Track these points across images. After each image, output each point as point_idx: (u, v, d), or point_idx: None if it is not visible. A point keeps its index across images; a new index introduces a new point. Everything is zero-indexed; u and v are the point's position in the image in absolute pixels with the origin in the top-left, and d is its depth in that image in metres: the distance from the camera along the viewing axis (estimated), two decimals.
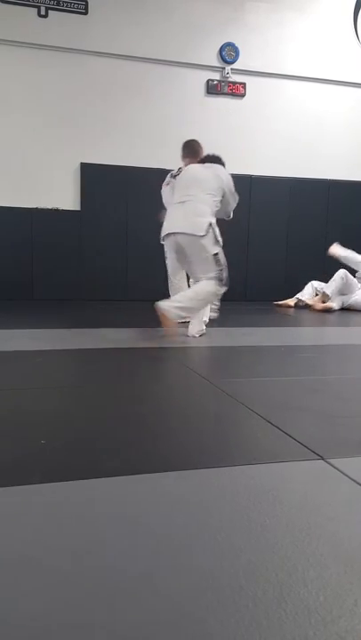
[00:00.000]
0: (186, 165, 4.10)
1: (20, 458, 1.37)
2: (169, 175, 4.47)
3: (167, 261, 4.43)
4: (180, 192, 3.60)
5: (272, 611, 0.79)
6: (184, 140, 4.40)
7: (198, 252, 3.37)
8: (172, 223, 3.46)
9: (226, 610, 0.79)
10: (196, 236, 3.32)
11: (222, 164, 3.77)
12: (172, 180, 4.32)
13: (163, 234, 3.60)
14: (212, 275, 3.36)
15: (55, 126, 5.88)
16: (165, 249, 4.39)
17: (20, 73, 5.77)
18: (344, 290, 5.67)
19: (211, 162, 3.74)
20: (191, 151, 4.24)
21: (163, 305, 3.31)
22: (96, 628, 0.75)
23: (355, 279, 5.74)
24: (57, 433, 1.59)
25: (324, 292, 5.66)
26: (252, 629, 0.75)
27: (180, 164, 4.43)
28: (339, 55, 6.67)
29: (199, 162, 3.84)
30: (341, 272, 5.68)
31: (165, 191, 4.38)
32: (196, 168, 3.72)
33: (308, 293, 5.84)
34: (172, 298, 3.51)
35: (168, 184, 4.38)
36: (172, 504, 1.13)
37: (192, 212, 3.39)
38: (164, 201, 4.35)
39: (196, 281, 3.67)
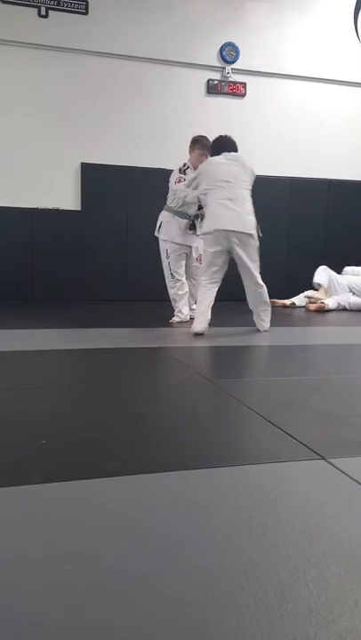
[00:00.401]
0: (198, 159, 4.16)
1: (20, 458, 1.37)
2: (178, 171, 4.42)
3: (168, 260, 4.36)
4: (220, 189, 3.67)
5: (273, 611, 0.78)
6: (195, 135, 4.41)
7: (250, 247, 3.70)
8: (224, 220, 3.63)
9: (227, 610, 0.79)
10: (248, 234, 3.66)
11: (237, 149, 3.92)
12: (183, 175, 4.29)
13: (212, 229, 3.68)
14: (258, 264, 3.77)
15: (55, 126, 5.88)
16: (165, 248, 4.36)
17: (20, 73, 5.77)
18: (332, 284, 5.77)
19: (229, 149, 3.84)
20: (203, 146, 4.26)
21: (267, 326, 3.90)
22: (96, 628, 0.75)
23: (338, 277, 5.83)
24: (57, 433, 1.59)
25: (318, 284, 5.75)
26: (254, 629, 0.75)
27: (185, 158, 4.42)
28: (339, 55, 6.66)
29: (215, 149, 3.92)
30: (321, 267, 5.85)
31: (179, 187, 4.27)
32: (224, 162, 3.77)
33: (300, 300, 5.91)
34: (265, 320, 3.87)
35: (181, 180, 4.31)
36: (172, 504, 1.13)
37: (243, 210, 3.66)
38: (180, 196, 4.18)
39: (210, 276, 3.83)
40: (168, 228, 4.34)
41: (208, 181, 3.75)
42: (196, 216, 4.30)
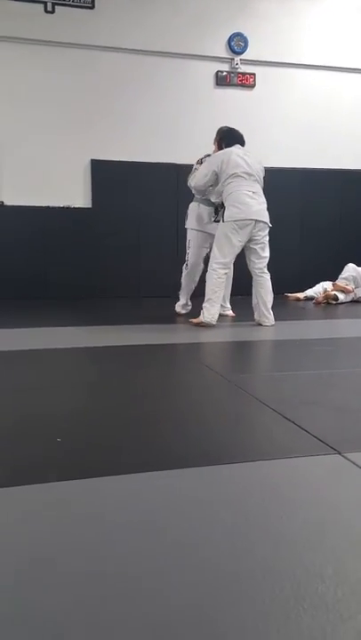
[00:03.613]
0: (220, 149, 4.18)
1: (36, 456, 1.38)
2: (196, 162, 4.43)
3: (195, 250, 4.36)
4: (243, 180, 3.80)
5: (289, 607, 0.78)
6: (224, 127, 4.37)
7: (266, 239, 3.89)
8: (251, 211, 3.76)
9: (243, 607, 0.79)
10: (269, 226, 3.88)
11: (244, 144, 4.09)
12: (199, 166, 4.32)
13: (244, 217, 3.75)
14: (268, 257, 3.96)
15: (63, 123, 5.87)
16: (188, 239, 4.38)
17: (27, 70, 5.77)
18: (356, 280, 5.69)
19: (241, 143, 4.02)
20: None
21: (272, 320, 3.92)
22: (111, 625, 0.76)
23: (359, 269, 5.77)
24: (72, 431, 1.60)
25: (342, 280, 5.64)
26: (270, 626, 0.75)
27: (195, 150, 4.41)
28: (350, 43, 6.56)
29: (228, 139, 4.03)
30: (351, 265, 5.72)
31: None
32: (242, 154, 3.89)
33: (316, 292, 5.83)
34: (270, 313, 3.87)
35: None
36: (187, 501, 1.13)
37: (264, 204, 3.86)
38: (199, 193, 4.31)
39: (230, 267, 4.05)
40: (192, 217, 4.39)
41: (232, 169, 3.83)
42: (219, 204, 4.28)
